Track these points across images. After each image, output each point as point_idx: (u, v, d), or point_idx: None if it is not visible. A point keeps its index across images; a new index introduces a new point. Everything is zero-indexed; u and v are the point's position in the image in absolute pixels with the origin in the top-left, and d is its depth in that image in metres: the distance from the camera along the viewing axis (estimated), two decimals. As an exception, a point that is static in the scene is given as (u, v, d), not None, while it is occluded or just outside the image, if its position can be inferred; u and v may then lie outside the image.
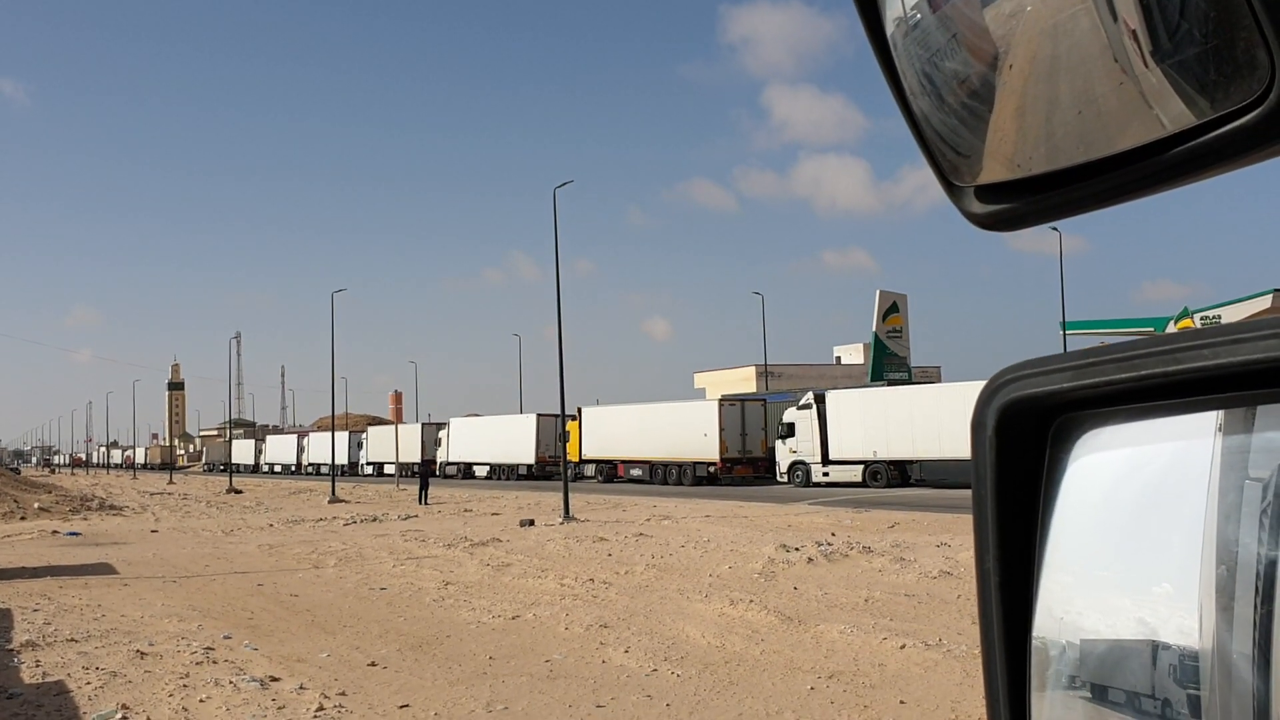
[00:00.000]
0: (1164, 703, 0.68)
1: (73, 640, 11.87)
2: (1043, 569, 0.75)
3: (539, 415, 59.45)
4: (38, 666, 10.60)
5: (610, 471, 52.66)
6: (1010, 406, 0.76)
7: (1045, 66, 0.71)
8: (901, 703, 8.78)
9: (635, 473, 50.79)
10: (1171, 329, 51.90)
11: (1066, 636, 0.73)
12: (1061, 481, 0.75)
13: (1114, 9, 0.65)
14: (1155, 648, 0.68)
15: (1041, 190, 0.74)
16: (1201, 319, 49.42)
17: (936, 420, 37.69)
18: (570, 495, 31.17)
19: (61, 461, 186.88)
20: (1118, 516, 0.72)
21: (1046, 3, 0.69)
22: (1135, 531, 0.71)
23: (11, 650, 11.38)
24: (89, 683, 9.80)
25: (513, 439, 61.00)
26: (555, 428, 52.98)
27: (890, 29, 0.81)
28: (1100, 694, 0.71)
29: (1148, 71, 0.64)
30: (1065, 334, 48.68)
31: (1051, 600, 0.74)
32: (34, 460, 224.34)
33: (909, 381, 51.71)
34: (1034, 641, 0.75)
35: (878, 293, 57.41)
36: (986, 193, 0.78)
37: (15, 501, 38.19)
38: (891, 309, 57.33)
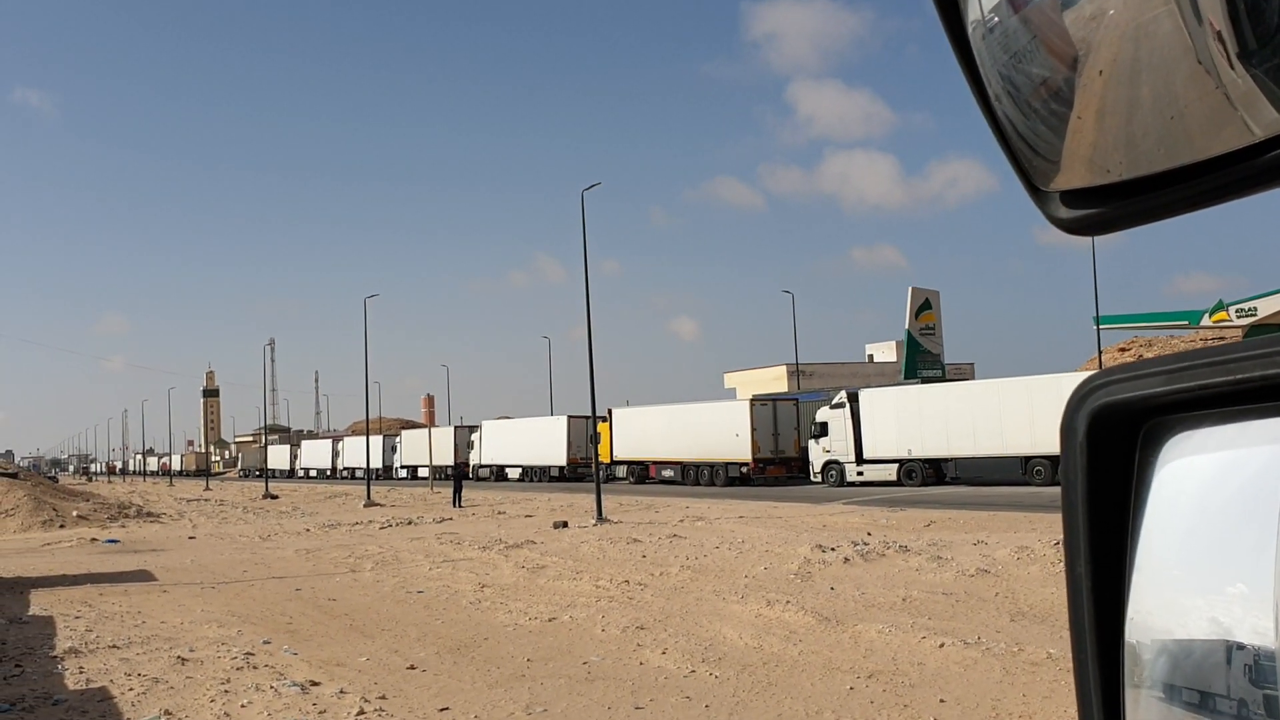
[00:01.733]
0: (1241, 703, 0.67)
1: (114, 647, 11.99)
2: (1134, 573, 0.75)
3: (570, 417, 59.55)
4: (81, 673, 10.72)
5: (642, 473, 52.60)
6: (1101, 411, 0.76)
7: (1127, 70, 0.70)
8: (941, 701, 8.74)
9: (667, 474, 50.70)
10: (1206, 321, 51.34)
11: (1161, 640, 0.73)
12: (1151, 485, 0.75)
13: (1199, 12, 0.64)
14: (1247, 650, 0.68)
15: (1127, 195, 0.73)
16: (1236, 311, 48.82)
17: (971, 417, 37.46)
18: (602, 497, 31.20)
19: (98, 470, 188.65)
20: (1209, 519, 0.71)
21: (1128, 5, 0.69)
22: (1226, 534, 0.71)
23: (55, 657, 11.52)
24: (131, 689, 9.89)
25: (544, 441, 61.13)
26: (586, 429, 53.06)
27: (971, 30, 0.80)
28: (1197, 698, 0.70)
29: (1235, 76, 0.63)
30: (1099, 328, 48.24)
31: (1144, 604, 0.74)
32: (71, 469, 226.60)
33: (942, 379, 51.35)
34: (1127, 646, 0.75)
35: (910, 289, 57.05)
36: (1071, 197, 0.77)
37: (54, 510, 38.58)
38: (924, 306, 56.97)
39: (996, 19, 0.77)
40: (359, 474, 76.52)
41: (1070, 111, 0.74)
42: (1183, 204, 0.71)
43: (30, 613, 14.92)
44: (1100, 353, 50.08)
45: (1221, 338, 47.93)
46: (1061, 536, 0.80)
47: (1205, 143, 0.67)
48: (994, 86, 0.80)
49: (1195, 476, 0.72)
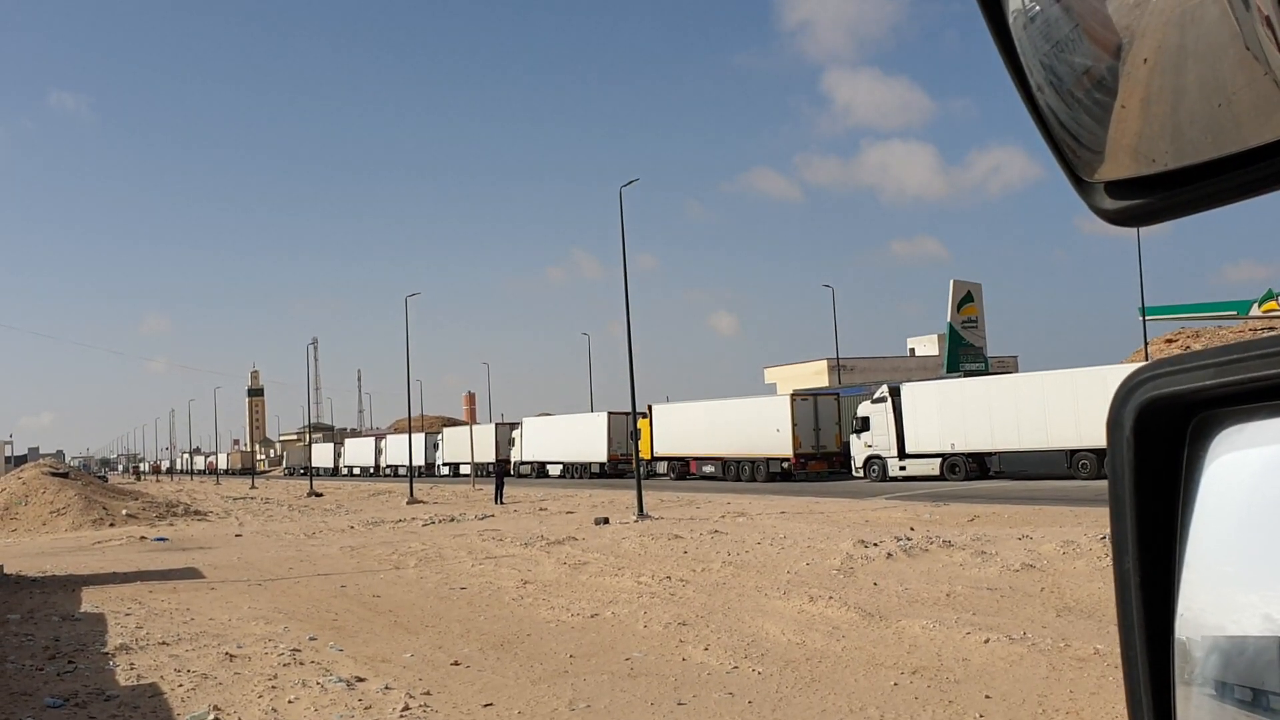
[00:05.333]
0: None
1: (164, 643, 12.16)
2: (1184, 569, 0.74)
3: (610, 414, 59.63)
4: (132, 669, 10.88)
5: (682, 469, 52.62)
6: (1149, 405, 0.75)
7: (1173, 57, 0.69)
8: (987, 697, 8.68)
9: (708, 470, 50.65)
10: (1256, 312, 50.54)
11: (1212, 636, 0.71)
12: (1201, 480, 0.73)
13: None
14: None
15: (1174, 185, 0.72)
16: (1287, 301, 48.05)
17: (1015, 411, 37.10)
18: (643, 493, 31.20)
19: (145, 469, 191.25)
20: (1261, 515, 0.70)
21: None
22: (1279, 530, 0.69)
23: (107, 653, 11.70)
24: (181, 685, 10.04)
25: (585, 438, 61.25)
26: (626, 426, 53.00)
27: (1012, 20, 0.79)
28: (1250, 695, 0.69)
29: None
30: (1145, 319, 47.66)
31: (1194, 600, 0.73)
32: (120, 468, 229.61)
33: (985, 372, 50.92)
34: (1177, 641, 0.74)
35: (952, 282, 56.65)
36: (1116, 188, 0.77)
37: (104, 508, 39.15)
38: (966, 299, 56.54)
39: (1038, 7, 0.77)
40: (402, 471, 76.98)
41: (1114, 101, 0.73)
42: (1231, 193, 0.70)
43: (82, 610, 15.15)
44: (1146, 344, 49.49)
45: (1272, 328, 47.19)
46: (1108, 531, 0.79)
47: (1254, 130, 0.65)
48: (1036, 77, 0.79)
49: (1247, 471, 0.71)
